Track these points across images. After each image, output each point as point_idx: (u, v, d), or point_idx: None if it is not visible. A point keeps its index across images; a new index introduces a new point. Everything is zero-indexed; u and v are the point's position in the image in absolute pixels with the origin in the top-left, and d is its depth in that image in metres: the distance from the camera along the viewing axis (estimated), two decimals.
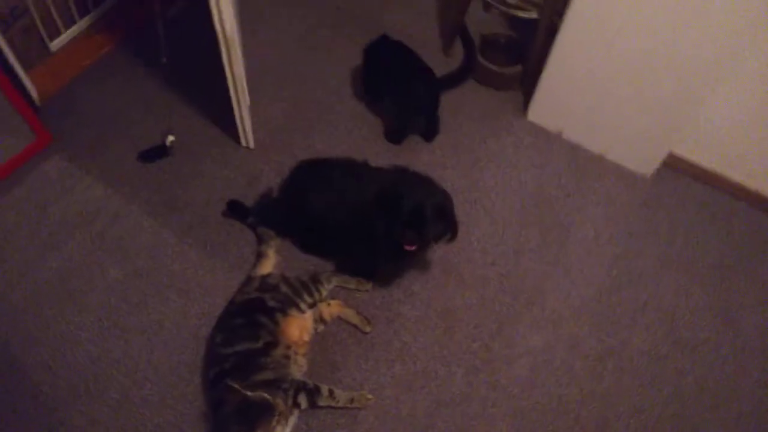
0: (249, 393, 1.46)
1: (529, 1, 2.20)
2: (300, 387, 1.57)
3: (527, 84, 2.24)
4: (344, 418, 1.64)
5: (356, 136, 2.19)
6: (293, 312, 1.68)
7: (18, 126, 2.01)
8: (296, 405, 1.55)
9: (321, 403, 1.60)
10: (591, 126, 2.09)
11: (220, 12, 1.67)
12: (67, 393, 1.65)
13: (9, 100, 1.92)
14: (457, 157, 2.15)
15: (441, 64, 2.30)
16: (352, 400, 1.64)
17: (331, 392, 1.61)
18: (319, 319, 1.76)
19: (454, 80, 2.27)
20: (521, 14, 2.18)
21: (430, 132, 2.18)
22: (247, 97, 2.01)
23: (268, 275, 1.79)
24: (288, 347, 1.62)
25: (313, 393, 1.58)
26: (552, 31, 1.99)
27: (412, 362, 1.74)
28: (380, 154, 2.14)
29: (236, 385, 1.47)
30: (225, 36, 1.74)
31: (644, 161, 2.09)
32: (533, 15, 2.15)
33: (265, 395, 1.46)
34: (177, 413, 1.63)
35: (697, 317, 1.84)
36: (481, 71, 2.29)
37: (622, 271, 1.92)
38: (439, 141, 2.18)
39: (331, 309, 1.79)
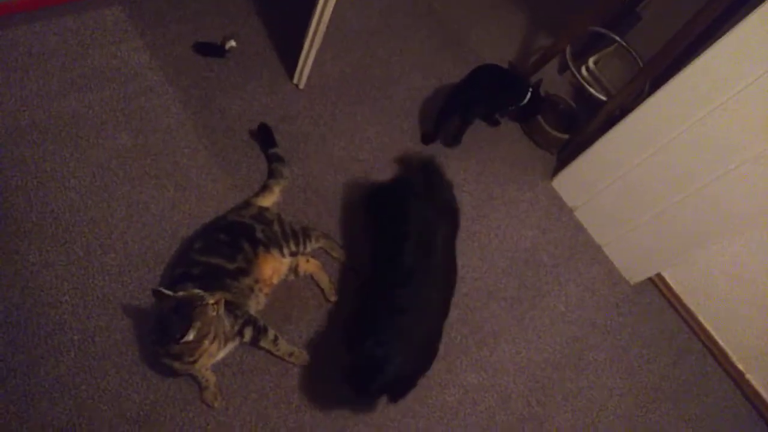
0: (180, 293, 1.43)
1: (602, 84, 2.29)
2: (250, 320, 1.59)
3: (565, 154, 2.33)
4: (276, 367, 1.67)
5: (394, 125, 2.23)
6: (275, 252, 1.71)
7: None
8: (240, 334, 1.57)
9: (262, 344, 1.63)
10: (603, 218, 2.19)
11: None
12: (34, 227, 1.64)
13: None
14: (477, 186, 2.21)
15: None
16: (291, 354, 1.67)
17: (276, 338, 1.64)
18: (293, 270, 1.78)
19: (515, 112, 2.34)
20: (591, 90, 2.27)
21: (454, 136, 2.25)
22: (319, 42, 2.03)
23: (266, 209, 1.81)
24: (256, 281, 1.65)
25: (259, 331, 1.61)
26: (610, 120, 2.08)
27: None
28: (410, 150, 2.19)
29: (165, 291, 1.43)
30: None
31: (634, 270, 2.19)
32: (601, 97, 2.24)
33: (196, 290, 1.44)
34: (127, 292, 1.64)
35: (618, 422, 1.94)
36: (532, 124, 2.36)
37: (573, 353, 2.00)
38: (469, 165, 2.24)
39: (308, 266, 1.82)
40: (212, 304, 1.42)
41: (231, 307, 1.55)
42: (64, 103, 1.84)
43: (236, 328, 1.56)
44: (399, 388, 1.60)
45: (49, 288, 1.57)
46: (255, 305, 1.65)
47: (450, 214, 1.83)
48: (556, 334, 2.02)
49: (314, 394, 1.67)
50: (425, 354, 1.65)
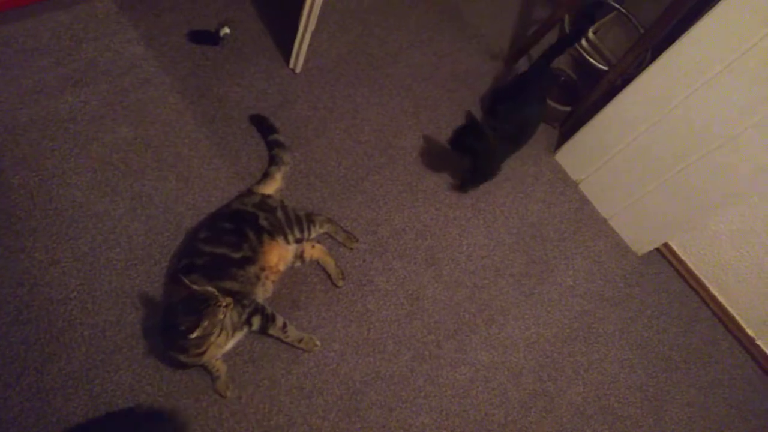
0: (196, 287, 1.43)
1: (603, 54, 2.25)
2: (258, 309, 1.60)
3: (567, 126, 2.30)
4: (287, 354, 1.68)
5: (394, 104, 2.21)
6: (279, 239, 1.71)
7: None
8: (248, 323, 1.58)
9: (271, 332, 1.63)
10: (608, 190, 2.17)
11: None
12: (39, 225, 1.64)
13: None
14: None
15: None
16: (300, 340, 1.68)
17: (284, 326, 1.65)
18: (299, 256, 1.79)
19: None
20: (591, 61, 2.23)
21: None
22: (314, 24, 2.00)
23: (269, 196, 1.81)
24: (262, 269, 1.65)
25: (268, 319, 1.61)
26: (612, 90, 2.05)
27: (367, 329, 1.79)
28: (411, 128, 2.17)
29: (186, 280, 1.44)
30: None
31: (641, 241, 2.18)
32: (602, 67, 2.20)
33: (211, 288, 1.44)
34: (134, 285, 1.64)
35: (630, 394, 1.94)
36: None
37: (582, 327, 2.00)
38: None
39: (314, 251, 1.82)
40: (223, 307, 1.42)
41: (238, 297, 1.55)
42: (61, 99, 1.83)
43: (244, 317, 1.57)
44: None
45: (57, 285, 1.58)
46: (262, 293, 1.65)
47: None
48: (564, 308, 2.02)
49: (325, 379, 1.68)
50: None
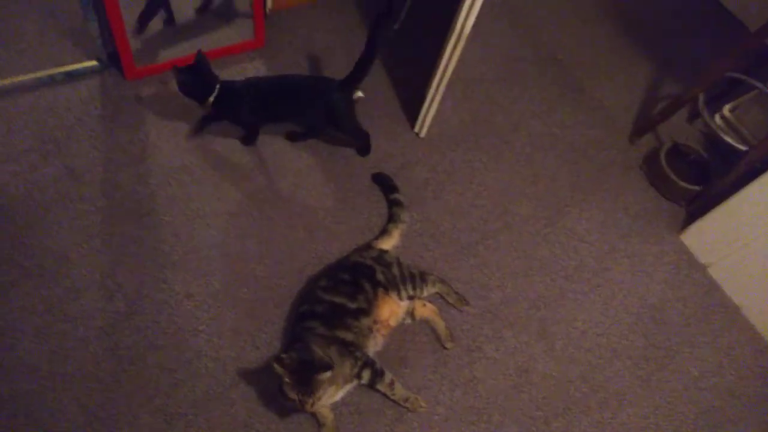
0: (318, 350, 1.49)
1: (740, 133, 2.15)
2: (369, 363, 1.62)
3: (696, 206, 2.20)
4: (391, 411, 1.68)
5: (513, 172, 2.23)
6: (393, 295, 1.74)
7: (246, 23, 2.22)
8: (358, 377, 1.61)
9: (379, 387, 1.65)
10: (743, 276, 2.01)
11: (468, 12, 1.77)
12: (180, 260, 1.80)
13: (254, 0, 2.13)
14: (599, 236, 2.13)
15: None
16: (406, 399, 1.68)
17: (392, 382, 1.66)
18: (410, 314, 1.81)
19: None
20: (728, 139, 2.13)
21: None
22: (442, 92, 2.09)
23: (386, 252, 1.86)
24: (375, 322, 1.68)
25: (377, 374, 1.63)
26: (750, 173, 1.94)
27: (473, 397, 1.76)
28: (528, 196, 2.17)
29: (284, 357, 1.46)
30: (460, 32, 1.84)
31: None
32: (739, 146, 2.10)
33: (327, 358, 1.48)
34: (257, 326, 1.74)
35: None
36: (657, 174, 2.26)
37: (709, 426, 1.82)
38: (591, 215, 2.18)
39: (425, 310, 1.83)
40: (328, 378, 1.45)
41: (351, 348, 1.59)
42: (210, 148, 2.03)
43: (355, 370, 1.60)
44: None
45: (190, 317, 1.71)
46: (373, 346, 1.68)
47: None
48: (688, 401, 1.86)
49: None
50: None
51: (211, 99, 1.91)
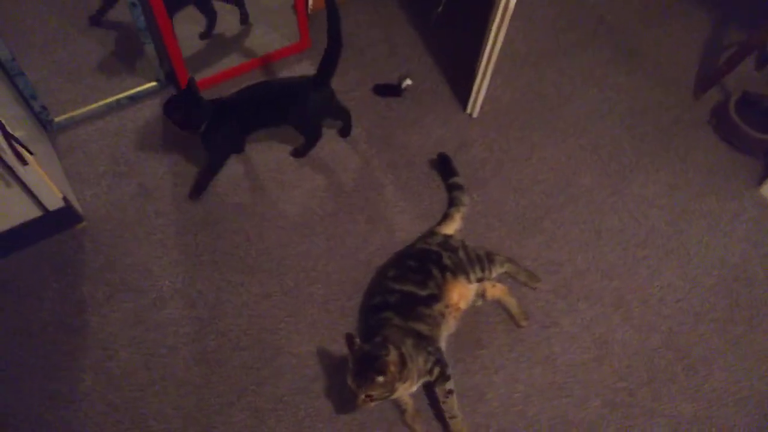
0: (392, 349, 1.47)
1: None
2: (440, 361, 1.59)
3: None
4: (472, 392, 1.70)
5: (570, 143, 2.18)
6: (461, 278, 1.74)
7: (291, 26, 2.26)
8: (429, 372, 1.59)
9: (438, 389, 1.60)
10: None
11: None
12: (255, 263, 1.87)
13: (296, 2, 2.17)
14: (669, 200, 2.06)
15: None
16: (453, 417, 1.62)
17: (451, 392, 1.60)
18: (481, 295, 1.81)
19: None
20: None
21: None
22: (491, 71, 2.07)
23: (451, 236, 1.87)
24: (447, 306, 1.69)
25: (443, 376, 1.59)
26: None
27: (552, 372, 1.74)
28: (591, 166, 2.12)
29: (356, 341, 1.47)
30: (504, 9, 1.81)
31: None
32: None
33: (394, 360, 1.45)
34: (332, 319, 1.79)
35: None
36: (728, 128, 2.15)
37: None
38: (658, 177, 2.11)
39: (495, 291, 1.83)
40: (393, 365, 1.44)
41: (424, 344, 1.59)
42: (270, 153, 2.09)
43: (428, 365, 1.58)
44: None
45: (269, 316, 1.78)
46: (446, 330, 1.69)
47: None
48: None
49: (512, 420, 1.66)
50: None
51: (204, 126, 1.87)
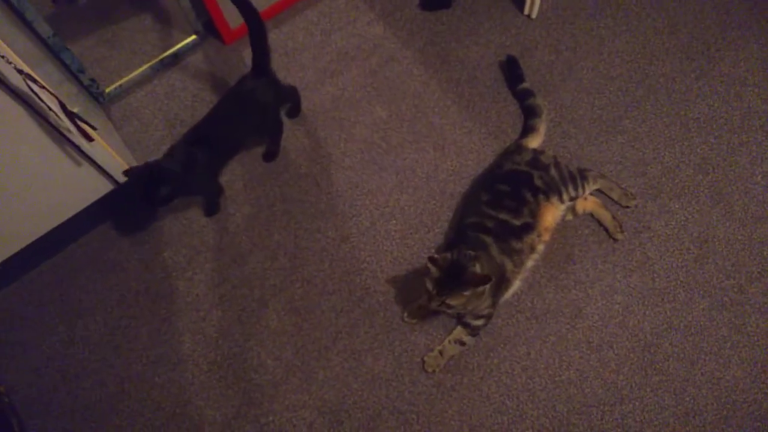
0: (479, 267, 1.41)
1: None
2: (489, 318, 1.59)
3: None
4: (568, 309, 1.64)
5: (645, 28, 1.97)
6: (554, 199, 1.63)
7: None
8: (476, 318, 1.56)
9: (461, 330, 1.61)
10: None
11: None
12: (327, 207, 1.84)
13: None
14: (765, 74, 1.85)
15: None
16: (441, 353, 1.62)
17: (463, 343, 1.61)
18: (571, 209, 1.71)
19: None
20: None
21: None
22: None
23: (541, 152, 1.72)
24: (539, 234, 1.60)
25: (476, 329, 1.59)
26: None
27: (651, 278, 1.66)
28: (669, 50, 1.91)
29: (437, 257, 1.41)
30: None
31: None
32: None
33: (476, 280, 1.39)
34: (412, 253, 1.75)
35: None
36: None
37: None
38: (750, 52, 1.88)
39: (587, 204, 1.72)
40: (465, 295, 1.39)
41: (495, 291, 1.52)
42: (323, 89, 2.00)
43: (484, 311, 1.55)
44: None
45: (350, 258, 1.76)
46: (532, 259, 1.62)
47: None
48: None
49: (613, 332, 1.61)
50: None
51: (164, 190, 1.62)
